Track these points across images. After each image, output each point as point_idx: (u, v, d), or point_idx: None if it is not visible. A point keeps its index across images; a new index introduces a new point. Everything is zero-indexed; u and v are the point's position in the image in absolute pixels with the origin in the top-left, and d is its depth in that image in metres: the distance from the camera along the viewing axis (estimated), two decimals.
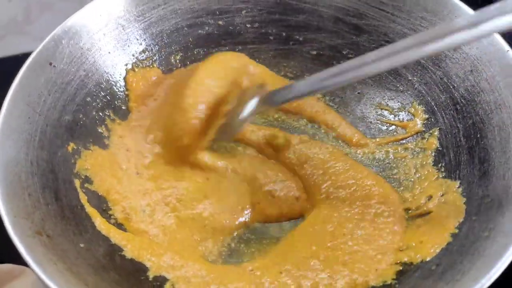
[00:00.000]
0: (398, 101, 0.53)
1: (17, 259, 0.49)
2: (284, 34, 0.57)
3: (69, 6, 0.73)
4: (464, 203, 0.42)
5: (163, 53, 0.55)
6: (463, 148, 0.45)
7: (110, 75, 0.52)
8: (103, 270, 0.38)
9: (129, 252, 0.41)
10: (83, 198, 0.43)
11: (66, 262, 0.35)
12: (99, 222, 0.42)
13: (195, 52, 0.56)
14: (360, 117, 0.54)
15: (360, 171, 0.48)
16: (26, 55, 0.45)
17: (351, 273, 0.40)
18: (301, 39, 0.56)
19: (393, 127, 0.53)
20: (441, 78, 0.49)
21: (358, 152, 0.52)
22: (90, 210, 0.43)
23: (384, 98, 0.54)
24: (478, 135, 0.44)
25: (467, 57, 0.47)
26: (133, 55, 0.53)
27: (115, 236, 0.41)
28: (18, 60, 0.73)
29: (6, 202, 0.36)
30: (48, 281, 0.32)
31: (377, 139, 0.52)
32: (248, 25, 0.57)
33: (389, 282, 0.39)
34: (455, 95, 0.47)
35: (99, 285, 0.36)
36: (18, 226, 0.35)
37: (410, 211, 0.45)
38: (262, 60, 0.57)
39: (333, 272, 0.40)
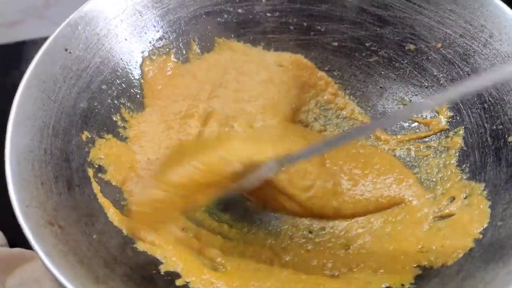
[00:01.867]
0: (422, 97, 0.51)
1: (27, 244, 0.50)
2: (305, 24, 0.55)
3: None
4: (489, 207, 0.40)
5: (180, 41, 0.54)
6: (489, 149, 0.43)
7: (126, 62, 0.51)
8: (115, 262, 0.37)
9: (142, 245, 0.40)
10: (96, 188, 0.43)
11: (77, 253, 0.35)
12: (112, 213, 0.41)
13: (213, 41, 0.55)
14: (381, 112, 0.53)
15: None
16: (44, 40, 0.45)
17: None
18: (322, 29, 0.55)
19: (416, 124, 0.51)
20: (468, 74, 0.47)
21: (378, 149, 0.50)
22: (102, 200, 0.42)
23: (407, 93, 0.52)
24: (506, 136, 0.42)
25: (497, 54, 0.45)
26: (149, 43, 0.52)
27: (128, 228, 0.41)
28: (36, 44, 0.74)
29: (18, 191, 0.35)
30: (57, 274, 0.31)
31: (399, 136, 0.51)
32: (268, 14, 0.55)
33: (407, 286, 0.38)
34: (483, 93, 0.45)
35: (110, 278, 0.35)
36: (30, 216, 0.35)
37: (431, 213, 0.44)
38: (282, 50, 0.56)
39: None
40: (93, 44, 0.48)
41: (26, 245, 0.50)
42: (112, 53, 0.49)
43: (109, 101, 0.48)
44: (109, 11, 0.49)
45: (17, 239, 0.53)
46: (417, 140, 0.50)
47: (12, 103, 0.40)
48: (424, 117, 0.50)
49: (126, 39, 0.50)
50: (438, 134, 0.49)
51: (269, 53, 0.56)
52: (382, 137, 0.51)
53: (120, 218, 0.41)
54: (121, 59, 0.50)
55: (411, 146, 0.50)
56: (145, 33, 0.52)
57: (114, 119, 0.48)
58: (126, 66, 0.50)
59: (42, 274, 0.50)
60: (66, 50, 0.46)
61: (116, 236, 0.40)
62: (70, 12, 0.47)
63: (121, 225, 0.41)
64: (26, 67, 0.43)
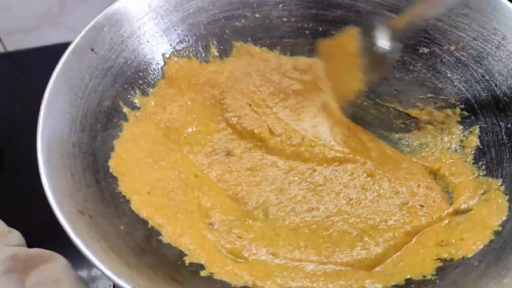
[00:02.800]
0: (437, 99, 0.52)
1: (45, 244, 0.50)
2: (320, 29, 0.56)
3: None
4: (507, 200, 0.41)
5: (199, 43, 0.55)
6: (505, 146, 0.44)
7: (148, 63, 0.52)
8: (142, 252, 0.38)
9: (166, 237, 0.41)
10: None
11: (108, 241, 0.35)
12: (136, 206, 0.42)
13: (232, 44, 0.56)
14: (396, 114, 0.54)
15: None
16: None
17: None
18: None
19: (431, 124, 0.52)
20: (482, 76, 0.48)
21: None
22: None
23: (421, 94, 0.53)
24: None
25: (510, 55, 0.46)
26: (170, 45, 0.54)
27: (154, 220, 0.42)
28: (51, 50, 0.75)
29: (51, 179, 0.36)
30: (92, 258, 0.32)
31: (413, 136, 0.52)
32: (285, 19, 0.56)
33: (429, 277, 0.39)
34: (498, 93, 0.47)
35: (139, 267, 0.36)
36: (62, 203, 0.35)
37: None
38: (298, 54, 0.57)
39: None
40: (117, 45, 0.49)
41: (44, 245, 0.51)
42: (135, 54, 0.51)
43: (132, 100, 0.50)
44: (133, 14, 0.51)
45: (34, 240, 0.54)
46: (432, 140, 0.51)
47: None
48: (439, 117, 0.51)
49: (148, 41, 0.52)
50: (454, 133, 0.50)
51: (285, 57, 0.57)
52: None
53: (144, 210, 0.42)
54: (143, 60, 0.51)
55: (427, 146, 0.51)
56: (166, 35, 0.53)
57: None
58: (148, 67, 0.52)
59: (60, 274, 0.50)
60: (92, 50, 0.47)
61: (141, 228, 0.41)
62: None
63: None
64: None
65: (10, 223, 0.54)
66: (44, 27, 0.76)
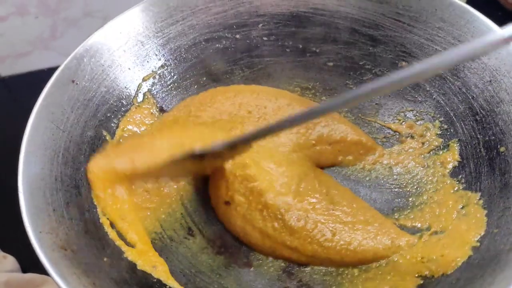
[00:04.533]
0: (417, 112, 0.52)
1: (40, 269, 0.51)
2: (300, 46, 0.57)
3: (93, 22, 0.75)
4: (485, 215, 0.41)
5: (181, 67, 0.56)
6: (483, 160, 0.45)
7: (130, 90, 0.53)
8: (125, 283, 0.39)
9: (148, 268, 0.42)
10: (100, 213, 0.44)
11: (89, 276, 0.36)
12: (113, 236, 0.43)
13: (212, 66, 0.57)
14: (378, 128, 0.54)
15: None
16: (51, 70, 0.46)
17: None
18: (317, 50, 0.57)
19: (411, 137, 0.52)
20: (459, 89, 0.49)
21: (377, 165, 0.51)
22: (104, 222, 0.43)
23: (402, 108, 0.53)
24: (498, 146, 0.44)
25: (485, 67, 0.47)
26: (152, 71, 0.54)
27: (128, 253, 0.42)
28: (44, 74, 0.76)
29: (32, 217, 0.37)
30: None
31: (395, 149, 0.52)
32: (265, 38, 0.57)
33: None
34: (475, 105, 0.47)
35: None
36: (43, 241, 0.36)
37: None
38: (279, 72, 0.58)
39: None
40: (98, 74, 0.50)
41: (38, 270, 0.52)
42: (117, 82, 0.51)
43: (115, 128, 0.50)
44: (112, 43, 0.51)
45: (29, 265, 0.54)
46: (413, 154, 0.51)
47: (22, 132, 0.42)
48: (419, 130, 0.52)
49: (129, 68, 0.53)
50: (434, 147, 0.50)
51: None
52: (373, 147, 0.52)
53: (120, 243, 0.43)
54: (125, 87, 0.52)
55: (407, 160, 0.51)
56: (148, 61, 0.54)
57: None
58: (130, 93, 0.53)
59: None
60: (73, 81, 0.48)
61: (125, 258, 0.42)
62: (75, 43, 0.49)
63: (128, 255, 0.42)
64: (34, 97, 0.45)
65: (4, 249, 0.55)
66: (36, 52, 0.77)
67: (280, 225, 0.45)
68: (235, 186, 0.46)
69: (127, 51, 0.52)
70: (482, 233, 0.40)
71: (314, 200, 0.46)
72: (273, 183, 0.46)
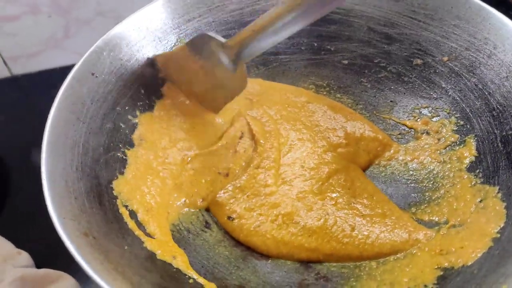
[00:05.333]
0: (432, 108, 0.53)
1: (54, 264, 0.51)
2: (315, 44, 0.58)
3: (106, 22, 0.76)
4: (505, 207, 0.41)
5: None
6: (501, 154, 0.45)
7: (147, 85, 0.53)
8: (146, 271, 0.39)
9: (161, 256, 0.42)
10: (120, 204, 0.44)
11: (111, 262, 0.36)
12: (132, 226, 0.43)
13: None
14: (393, 125, 0.54)
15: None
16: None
17: None
18: (332, 49, 0.57)
19: (427, 134, 0.53)
20: (475, 85, 0.49)
21: (392, 161, 0.52)
22: (124, 212, 0.44)
23: (417, 105, 0.54)
24: None
25: (502, 64, 0.47)
26: None
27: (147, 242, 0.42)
28: (56, 73, 0.77)
29: (55, 204, 0.37)
30: (97, 278, 0.33)
31: (410, 146, 0.52)
32: None
33: (430, 286, 0.39)
34: (491, 101, 0.47)
35: (142, 285, 0.37)
36: (67, 227, 0.36)
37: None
38: (294, 70, 0.58)
39: None
40: (117, 68, 0.50)
41: (51, 266, 0.52)
42: (135, 76, 0.52)
43: (133, 121, 0.51)
44: (131, 38, 0.52)
45: (43, 261, 0.54)
46: (429, 150, 0.51)
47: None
48: (435, 127, 0.52)
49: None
50: (450, 143, 0.50)
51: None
52: (389, 143, 0.53)
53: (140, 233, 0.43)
54: (142, 82, 0.53)
55: (423, 155, 0.51)
56: None
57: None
58: (147, 88, 0.53)
59: None
60: (92, 74, 0.48)
61: (145, 248, 0.42)
62: (88, 43, 0.50)
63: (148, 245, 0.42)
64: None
65: (19, 245, 0.55)
66: (49, 51, 0.78)
67: (298, 229, 0.45)
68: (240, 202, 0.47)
69: (145, 46, 0.53)
70: (502, 225, 0.40)
71: (335, 195, 0.47)
72: (288, 194, 0.47)
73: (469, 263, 0.39)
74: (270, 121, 0.53)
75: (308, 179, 0.49)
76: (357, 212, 0.45)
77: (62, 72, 0.47)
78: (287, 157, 0.51)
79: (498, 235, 0.40)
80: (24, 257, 0.55)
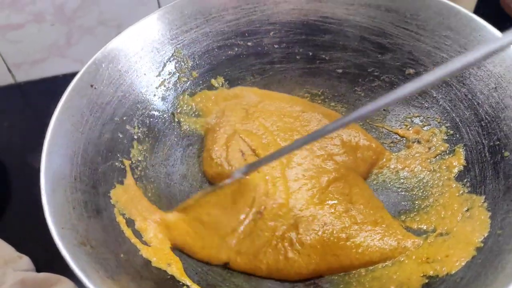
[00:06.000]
0: (423, 118, 0.54)
1: (53, 268, 0.53)
2: (310, 53, 0.59)
3: (108, 31, 0.77)
4: (489, 217, 0.42)
5: (194, 73, 0.58)
6: (488, 164, 0.46)
7: (146, 95, 0.55)
8: (141, 278, 0.40)
9: (156, 263, 0.43)
10: (117, 212, 0.46)
11: (107, 270, 0.38)
12: (128, 234, 0.44)
13: (225, 72, 0.59)
14: (386, 134, 0.56)
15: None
16: (66, 76, 0.48)
17: None
18: (327, 58, 0.58)
19: (418, 142, 0.54)
20: (465, 95, 0.50)
21: (384, 169, 0.53)
22: (121, 221, 0.45)
23: (409, 114, 0.55)
24: (503, 151, 0.45)
25: (491, 75, 0.48)
26: (167, 76, 0.56)
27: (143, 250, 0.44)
28: (58, 81, 0.79)
29: (53, 214, 0.39)
30: (92, 287, 0.34)
31: (402, 154, 0.53)
32: (276, 46, 0.59)
33: None
34: (480, 111, 0.48)
35: None
36: (65, 237, 0.38)
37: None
38: (289, 78, 0.60)
39: None
40: (116, 79, 0.52)
41: (51, 270, 0.53)
42: (133, 87, 0.53)
43: (131, 131, 0.52)
44: (129, 49, 0.53)
45: (43, 265, 0.56)
46: (419, 158, 0.52)
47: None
48: (426, 136, 0.53)
49: (145, 74, 0.55)
50: (439, 152, 0.51)
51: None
52: (381, 152, 0.54)
53: (135, 241, 0.44)
54: (141, 92, 0.54)
55: (413, 164, 0.52)
56: (162, 67, 0.56)
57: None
58: (145, 98, 0.54)
59: None
60: (91, 86, 0.50)
61: (140, 255, 0.43)
62: (90, 51, 0.51)
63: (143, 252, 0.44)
64: (49, 102, 0.47)
65: (19, 249, 0.56)
66: (52, 58, 0.79)
67: (295, 251, 0.45)
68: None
69: (143, 58, 0.54)
70: (486, 234, 0.41)
71: (334, 202, 0.48)
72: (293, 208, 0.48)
73: (453, 272, 0.40)
74: (267, 133, 0.54)
75: (310, 189, 0.49)
76: (354, 220, 0.46)
77: (65, 79, 0.48)
78: (288, 170, 0.51)
79: (482, 245, 0.41)
80: (25, 261, 0.57)
